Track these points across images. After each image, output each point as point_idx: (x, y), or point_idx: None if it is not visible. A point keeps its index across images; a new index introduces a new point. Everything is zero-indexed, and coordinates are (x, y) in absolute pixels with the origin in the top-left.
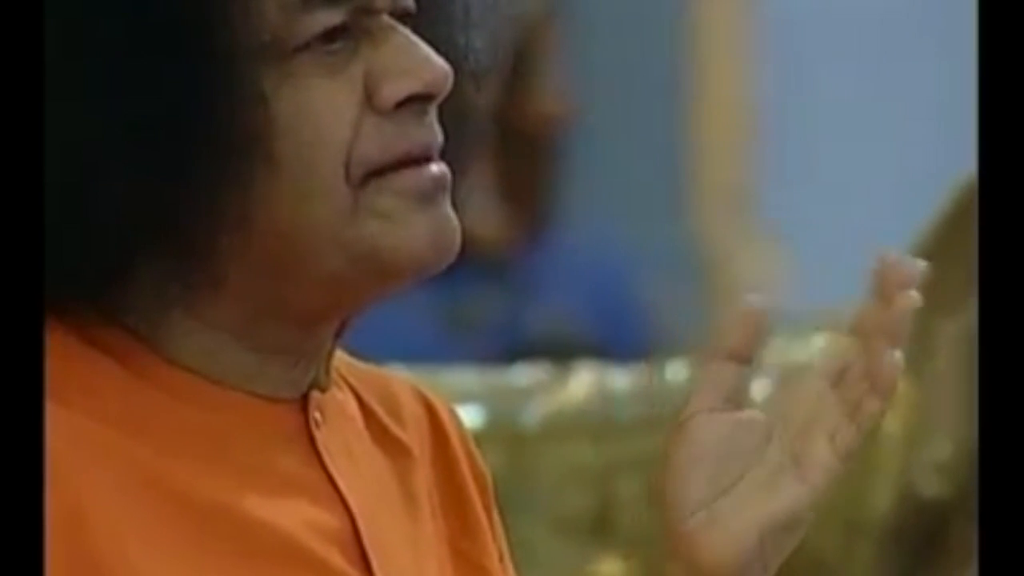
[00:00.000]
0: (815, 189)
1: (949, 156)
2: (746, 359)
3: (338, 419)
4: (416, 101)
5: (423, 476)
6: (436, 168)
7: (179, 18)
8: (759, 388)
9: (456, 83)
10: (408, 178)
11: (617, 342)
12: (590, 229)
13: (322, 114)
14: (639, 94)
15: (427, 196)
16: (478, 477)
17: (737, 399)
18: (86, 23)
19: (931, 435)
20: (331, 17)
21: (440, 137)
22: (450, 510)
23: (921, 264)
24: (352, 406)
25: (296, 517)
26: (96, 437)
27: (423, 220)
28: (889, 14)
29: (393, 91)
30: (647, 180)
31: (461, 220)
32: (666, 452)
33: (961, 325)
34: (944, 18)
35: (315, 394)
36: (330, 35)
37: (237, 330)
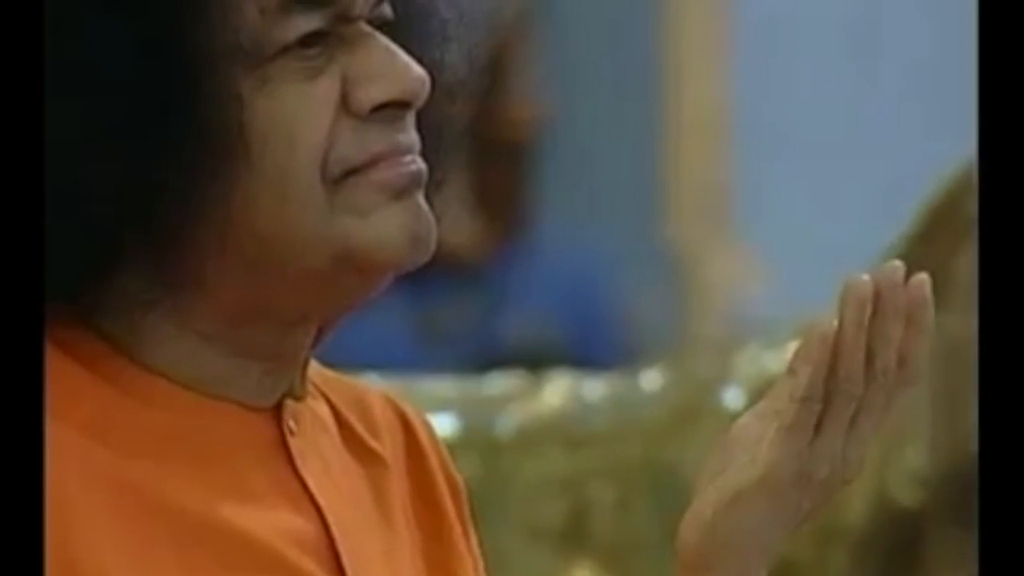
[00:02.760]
0: (791, 198)
1: (926, 164)
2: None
3: (313, 428)
4: (393, 107)
5: (397, 485)
6: (412, 164)
7: (158, 20)
8: (732, 396)
9: (432, 96)
10: (384, 171)
11: (592, 350)
12: (564, 237)
13: (298, 117)
14: (613, 101)
15: (402, 190)
16: (452, 486)
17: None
18: (65, 23)
19: (906, 445)
20: (309, 23)
21: (417, 142)
22: (424, 519)
23: (898, 265)
24: (327, 416)
25: (271, 526)
26: (67, 443)
27: (397, 214)
28: (865, 16)
29: (369, 95)
30: (622, 187)
31: (438, 228)
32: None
33: (933, 335)
34: (924, 18)
35: (289, 402)
36: (308, 40)
37: (215, 334)
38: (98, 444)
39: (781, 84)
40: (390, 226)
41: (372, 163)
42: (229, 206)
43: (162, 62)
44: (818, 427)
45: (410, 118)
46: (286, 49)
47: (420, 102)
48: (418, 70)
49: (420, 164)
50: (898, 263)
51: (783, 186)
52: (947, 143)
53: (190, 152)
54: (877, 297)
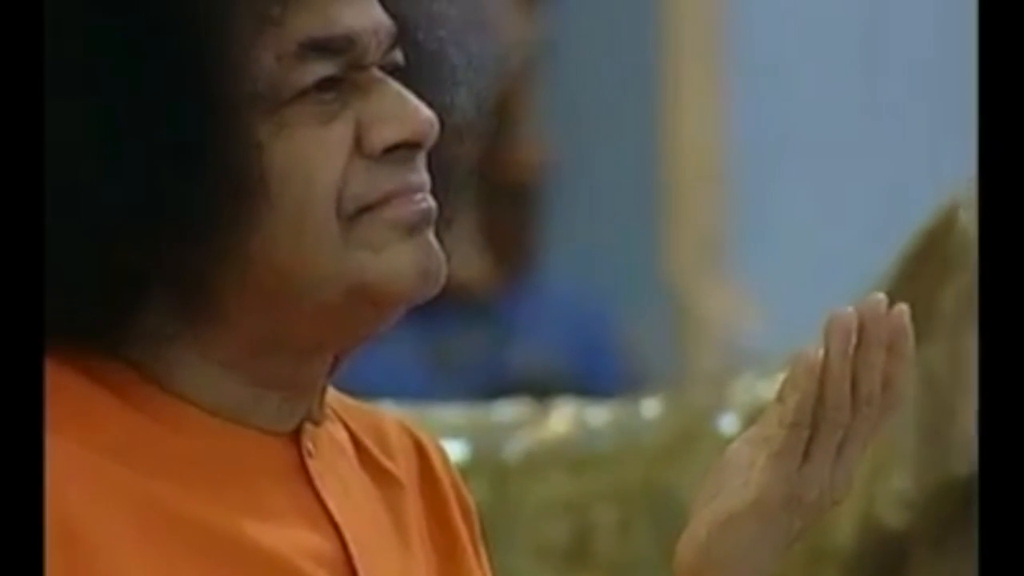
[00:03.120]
0: (781, 238)
1: (910, 204)
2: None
3: (330, 451)
4: (404, 148)
5: (412, 507)
6: (423, 202)
7: (181, 71)
8: (728, 423)
9: (441, 137)
10: (396, 209)
11: (595, 380)
12: (569, 273)
13: (314, 159)
14: (616, 146)
15: (413, 227)
16: (464, 509)
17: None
18: (90, 65)
19: (893, 467)
20: (324, 69)
21: (427, 181)
22: (438, 539)
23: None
24: (344, 439)
25: (292, 543)
26: (95, 467)
27: (408, 250)
28: (858, 67)
29: (382, 137)
30: (623, 227)
31: (447, 264)
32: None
33: (916, 365)
34: (914, 65)
35: (308, 427)
36: (323, 86)
37: (237, 364)
38: (126, 466)
39: (773, 135)
40: (402, 261)
41: (385, 201)
42: (250, 244)
43: (186, 111)
44: (806, 452)
45: (420, 159)
46: (302, 94)
47: (430, 143)
48: (427, 113)
49: (430, 202)
50: (881, 295)
51: (774, 228)
52: (936, 185)
53: (214, 195)
54: (861, 328)
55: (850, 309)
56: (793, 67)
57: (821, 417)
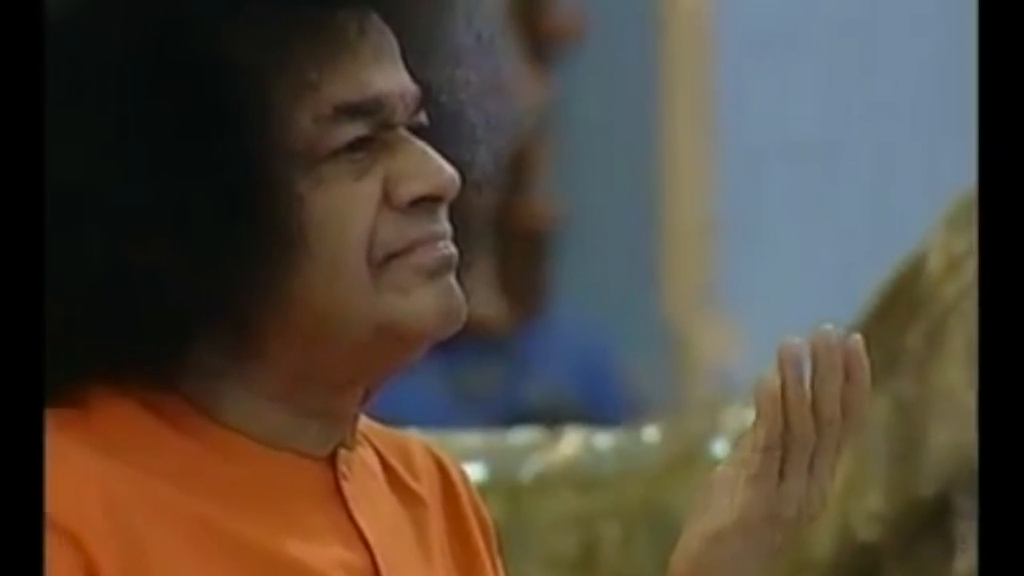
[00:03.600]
0: (766, 283)
1: (872, 256)
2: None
3: (362, 473)
4: (428, 201)
5: (435, 524)
6: (445, 249)
7: (229, 132)
8: (720, 447)
9: (462, 190)
10: (421, 256)
11: (600, 408)
12: (577, 312)
13: (348, 212)
14: (619, 198)
15: (436, 271)
16: (483, 525)
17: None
18: (145, 125)
19: (866, 487)
20: (357, 129)
21: (449, 230)
22: (459, 554)
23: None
24: (374, 462)
25: (327, 560)
26: (155, 490)
27: (432, 292)
28: (828, 134)
29: (408, 191)
30: (626, 270)
31: (467, 304)
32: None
33: (887, 396)
34: (891, 125)
35: (343, 451)
36: (355, 145)
37: (279, 396)
38: (181, 490)
39: (759, 192)
40: (426, 302)
41: (411, 248)
42: (290, 289)
43: (235, 170)
44: (781, 472)
45: (442, 210)
46: (336, 152)
47: (451, 196)
48: (449, 170)
49: (452, 249)
50: (831, 327)
51: (760, 273)
52: (925, 212)
53: (259, 246)
54: (816, 357)
55: (798, 339)
56: (775, 143)
57: (789, 440)
